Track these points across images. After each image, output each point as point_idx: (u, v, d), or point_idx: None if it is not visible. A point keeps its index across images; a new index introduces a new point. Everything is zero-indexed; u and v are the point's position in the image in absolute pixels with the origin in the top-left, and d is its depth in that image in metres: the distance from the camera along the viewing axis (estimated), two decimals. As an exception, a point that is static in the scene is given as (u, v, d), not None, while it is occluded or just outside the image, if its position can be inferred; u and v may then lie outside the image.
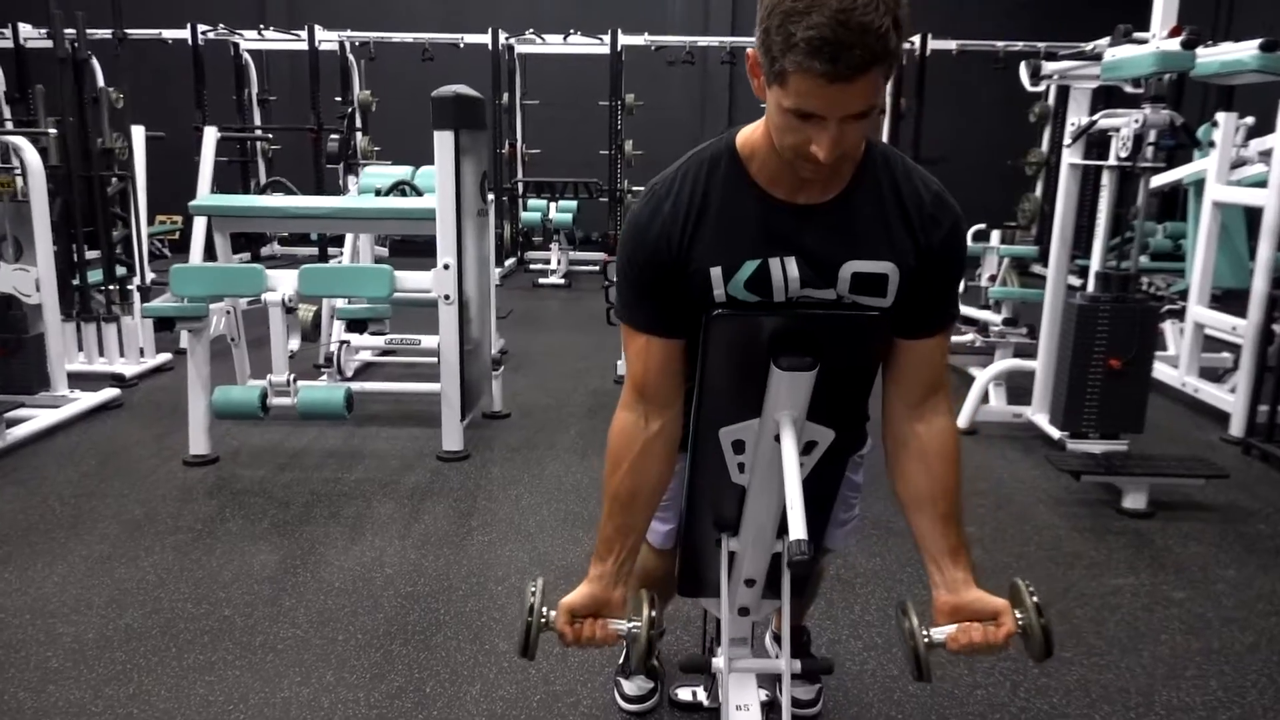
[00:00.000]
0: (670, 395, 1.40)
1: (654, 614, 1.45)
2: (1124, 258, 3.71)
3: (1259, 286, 4.22)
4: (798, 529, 1.24)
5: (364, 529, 3.11)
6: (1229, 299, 4.95)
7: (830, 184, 1.26)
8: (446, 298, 3.64)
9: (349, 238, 5.17)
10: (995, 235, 5.43)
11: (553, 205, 8.62)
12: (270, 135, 8.20)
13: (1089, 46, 3.45)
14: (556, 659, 2.34)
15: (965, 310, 5.57)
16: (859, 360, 1.35)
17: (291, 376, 3.59)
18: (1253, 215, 5.14)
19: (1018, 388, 4.49)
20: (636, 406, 1.41)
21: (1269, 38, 3.06)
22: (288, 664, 2.31)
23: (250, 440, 3.95)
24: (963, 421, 4.32)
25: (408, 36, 8.46)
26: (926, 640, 1.34)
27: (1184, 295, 5.02)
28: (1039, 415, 4.20)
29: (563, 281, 8.58)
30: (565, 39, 8.56)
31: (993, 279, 5.15)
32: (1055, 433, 3.86)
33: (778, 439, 1.40)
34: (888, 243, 1.28)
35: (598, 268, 9.22)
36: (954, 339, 5.64)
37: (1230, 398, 4.44)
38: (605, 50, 8.46)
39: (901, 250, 1.28)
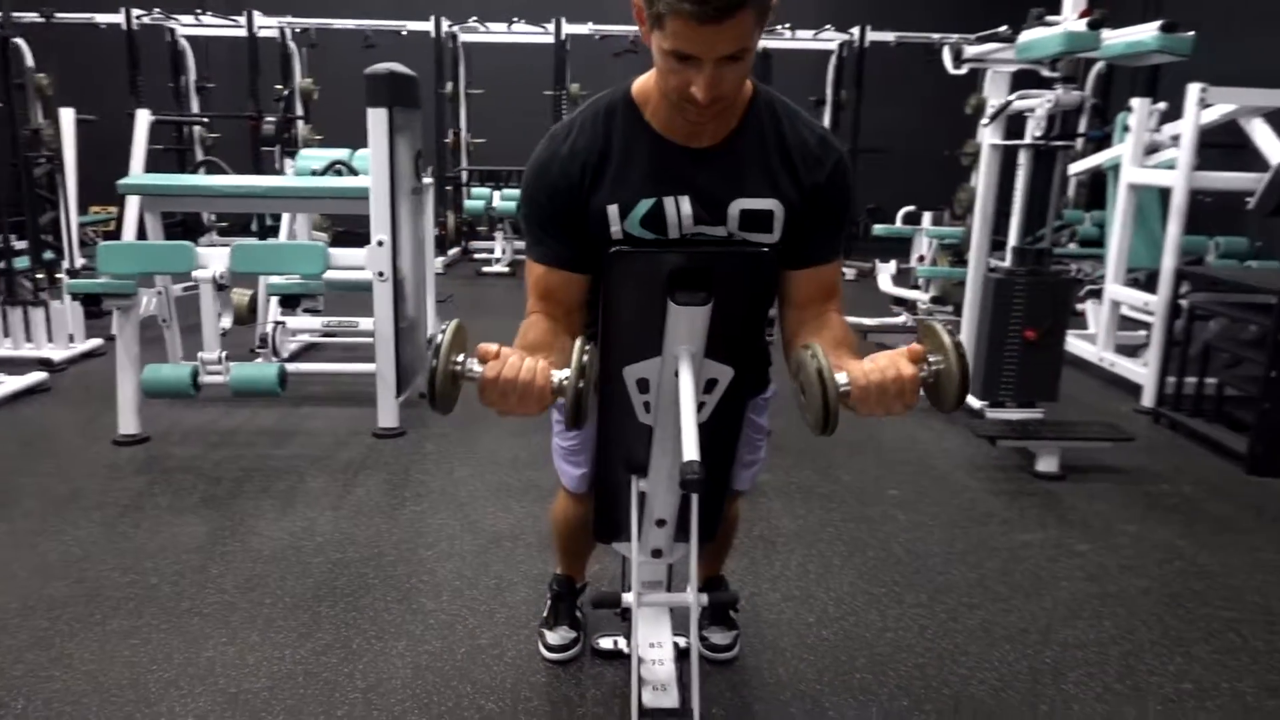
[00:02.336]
0: (569, 308, 1.45)
1: (586, 359, 1.27)
2: (1038, 239, 3.86)
3: (1167, 264, 4.41)
4: (690, 451, 1.31)
5: (295, 502, 3.13)
6: (1151, 281, 5.15)
7: (719, 128, 1.34)
8: (380, 275, 3.66)
9: (285, 222, 5.14)
10: (927, 218, 5.59)
11: (497, 194, 8.63)
12: (207, 121, 8.07)
13: (1004, 29, 3.59)
14: (483, 615, 2.40)
15: (896, 291, 5.73)
16: (750, 295, 1.43)
17: (223, 354, 3.59)
18: (1167, 198, 5.35)
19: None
20: (540, 307, 1.46)
21: (1170, 20, 3.21)
22: (214, 626, 2.33)
23: (182, 420, 3.93)
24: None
25: (350, 23, 8.40)
26: (836, 383, 1.21)
27: (1100, 278, 5.21)
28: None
29: (507, 270, 8.59)
30: (509, 27, 8.56)
31: (921, 259, 5.30)
32: (976, 403, 4.01)
33: (678, 374, 1.48)
34: (772, 182, 1.36)
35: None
36: (886, 320, 5.80)
37: (1143, 371, 4.64)
38: (549, 39, 8.49)
39: (785, 189, 1.36)
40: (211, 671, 2.13)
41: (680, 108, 1.27)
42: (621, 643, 2.24)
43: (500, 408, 1.24)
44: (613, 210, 1.36)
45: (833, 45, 8.85)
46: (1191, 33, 3.31)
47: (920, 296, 4.98)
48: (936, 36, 8.75)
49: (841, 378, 1.23)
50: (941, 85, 9.08)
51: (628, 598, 1.76)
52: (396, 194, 3.66)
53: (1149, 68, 5.84)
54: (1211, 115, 4.39)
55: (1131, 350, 5.26)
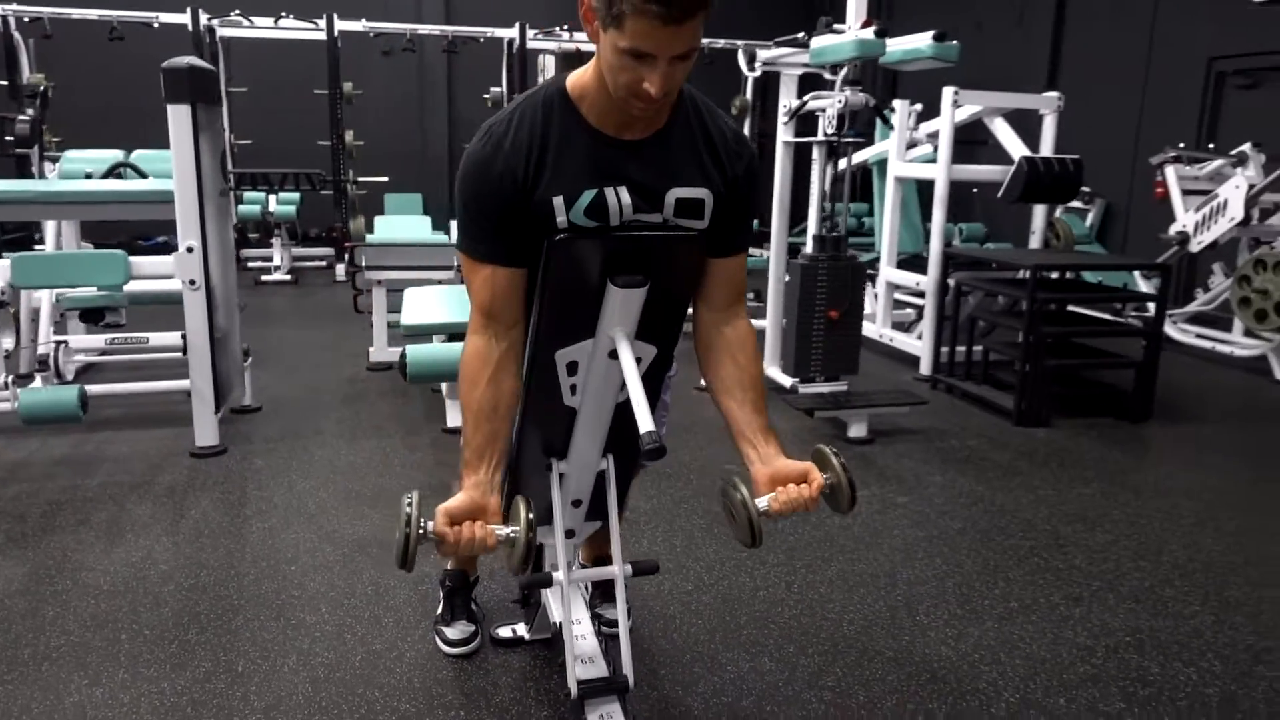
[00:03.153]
0: (514, 317, 1.51)
1: (531, 517, 1.46)
2: (835, 226, 4.25)
3: (935, 248, 4.99)
4: (646, 422, 1.40)
5: (123, 531, 2.88)
6: (911, 263, 5.78)
7: (651, 121, 1.43)
8: (192, 283, 3.42)
9: (49, 233, 4.64)
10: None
11: (272, 199, 8.17)
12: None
13: (800, 35, 3.93)
14: (369, 621, 2.35)
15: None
16: (682, 277, 1.54)
17: (8, 379, 3.22)
18: (922, 189, 6.03)
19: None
20: (485, 330, 1.50)
21: (940, 29, 3.66)
22: (69, 670, 2.12)
23: (-45, 457, 3.48)
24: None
25: (91, 13, 7.62)
26: (757, 509, 1.48)
27: (874, 264, 5.78)
28: (772, 369, 4.69)
29: (288, 278, 8.17)
30: (276, 22, 8.11)
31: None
32: (787, 380, 4.34)
33: (611, 355, 1.56)
34: (702, 172, 1.47)
35: (325, 263, 8.87)
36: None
37: (918, 344, 5.21)
38: (320, 35, 8.14)
39: (713, 178, 1.48)
40: (82, 717, 1.96)
41: (627, 103, 1.35)
42: (520, 629, 2.28)
43: (450, 555, 1.56)
44: (558, 201, 1.42)
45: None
46: (955, 41, 3.79)
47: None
48: (705, 42, 9.26)
49: (761, 502, 1.49)
50: (708, 89, 9.65)
51: (558, 576, 1.81)
52: (204, 197, 3.43)
53: (887, 73, 6.56)
54: (961, 115, 5.00)
55: (903, 326, 5.89)
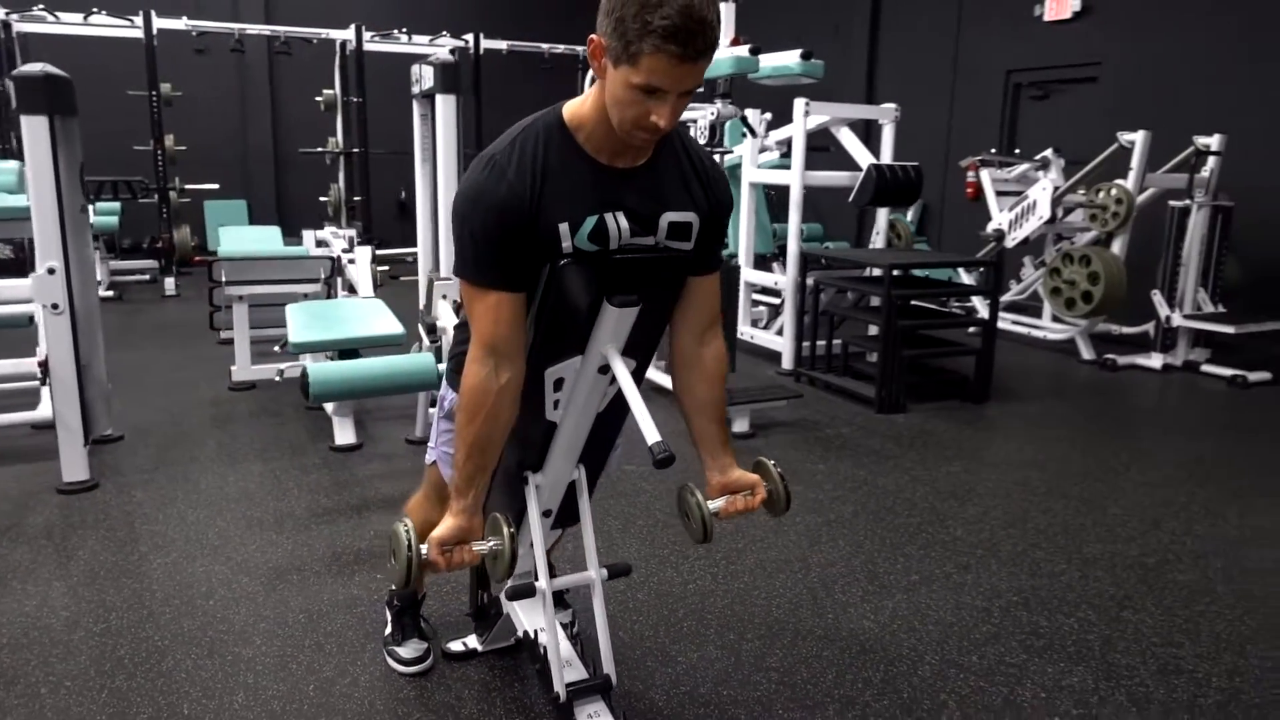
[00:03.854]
0: (516, 347, 1.55)
1: (512, 530, 1.60)
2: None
3: (793, 248, 5.30)
4: (652, 433, 1.49)
5: (4, 579, 2.67)
6: (760, 263, 6.10)
7: (642, 150, 1.52)
8: (54, 307, 3.19)
9: None
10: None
11: (90, 209, 7.55)
12: None
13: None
14: (312, 649, 2.31)
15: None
16: (669, 295, 1.65)
17: None
18: (769, 194, 6.37)
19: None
20: (487, 361, 1.54)
21: (807, 49, 3.92)
22: (-11, 732, 1.98)
23: None
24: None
25: None
26: (710, 512, 1.67)
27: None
28: (651, 370, 4.84)
29: (111, 294, 7.59)
30: (86, 19, 7.50)
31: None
32: (669, 381, 4.49)
33: (601, 370, 1.65)
34: (690, 197, 1.58)
35: (149, 277, 8.29)
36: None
37: (779, 339, 5.52)
38: (135, 34, 7.60)
39: (698, 202, 1.59)
40: (22, 779, 1.83)
41: (632, 135, 1.43)
42: (471, 642, 2.31)
43: (441, 568, 1.63)
44: (564, 228, 1.48)
45: (443, 50, 9.02)
46: (821, 61, 4.07)
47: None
48: (545, 46, 9.33)
49: (713, 505, 1.71)
50: (550, 93, 9.75)
51: (540, 585, 1.87)
52: (64, 214, 3.20)
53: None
54: (811, 124, 5.34)
55: (758, 324, 6.20)
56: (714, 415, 1.80)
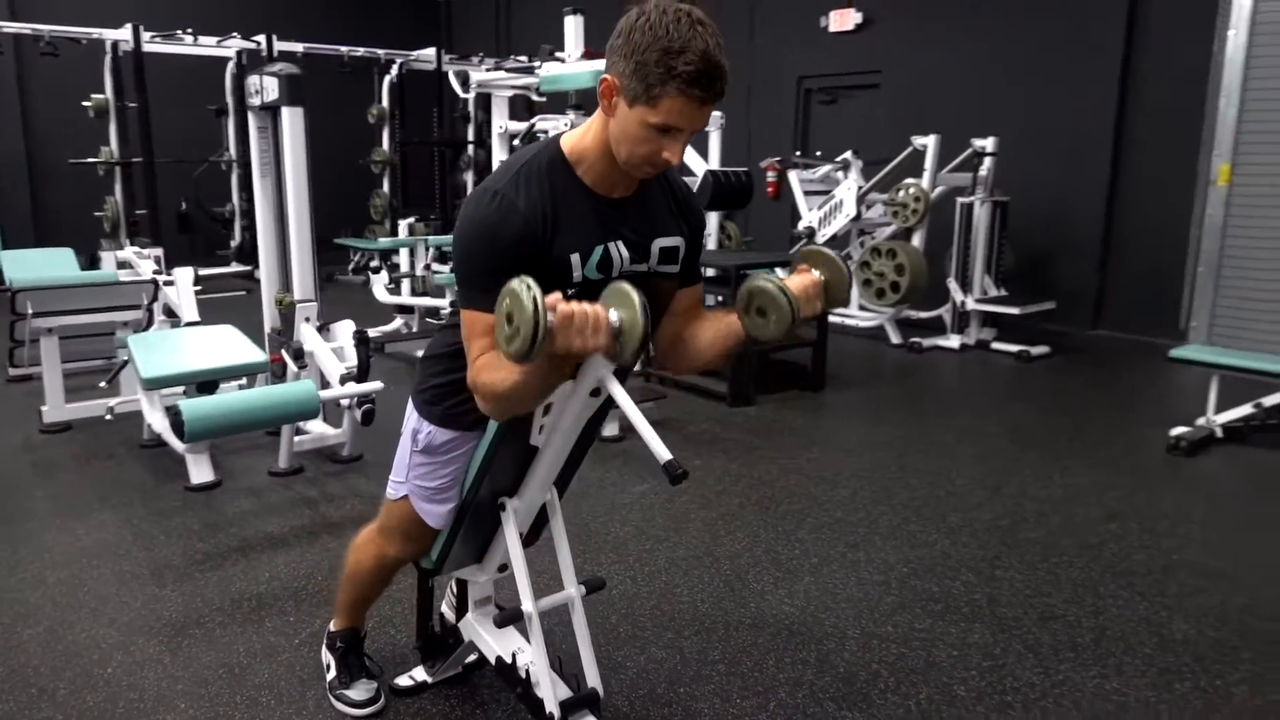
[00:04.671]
0: None
1: (644, 299, 1.39)
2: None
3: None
4: (663, 452, 1.56)
5: None
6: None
7: (632, 182, 1.58)
8: None
9: None
10: (411, 227, 5.89)
11: None
12: None
13: (527, 59, 4.07)
14: (245, 707, 2.18)
15: (399, 300, 5.95)
16: (658, 316, 1.71)
17: None
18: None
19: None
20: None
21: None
22: None
23: None
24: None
25: None
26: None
27: None
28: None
29: None
30: None
31: (427, 268, 5.62)
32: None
33: (593, 393, 1.69)
34: (675, 222, 1.65)
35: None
36: (387, 328, 6.00)
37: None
38: None
39: (682, 227, 1.67)
40: None
41: (638, 169, 1.49)
42: (420, 674, 2.27)
43: (576, 344, 1.37)
44: (575, 258, 1.52)
45: (230, 52, 8.49)
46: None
47: (436, 303, 5.29)
48: (345, 49, 8.98)
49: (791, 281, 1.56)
50: (345, 95, 9.39)
51: (526, 608, 1.88)
52: None
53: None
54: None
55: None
56: (713, 317, 1.73)
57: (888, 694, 2.26)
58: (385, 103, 10.21)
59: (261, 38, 8.33)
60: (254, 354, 3.49)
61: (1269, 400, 4.24)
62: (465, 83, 4.43)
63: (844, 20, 8.24)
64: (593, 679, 1.92)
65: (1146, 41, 6.63)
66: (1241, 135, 6.28)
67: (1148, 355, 6.13)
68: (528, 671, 1.95)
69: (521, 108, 4.69)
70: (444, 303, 5.11)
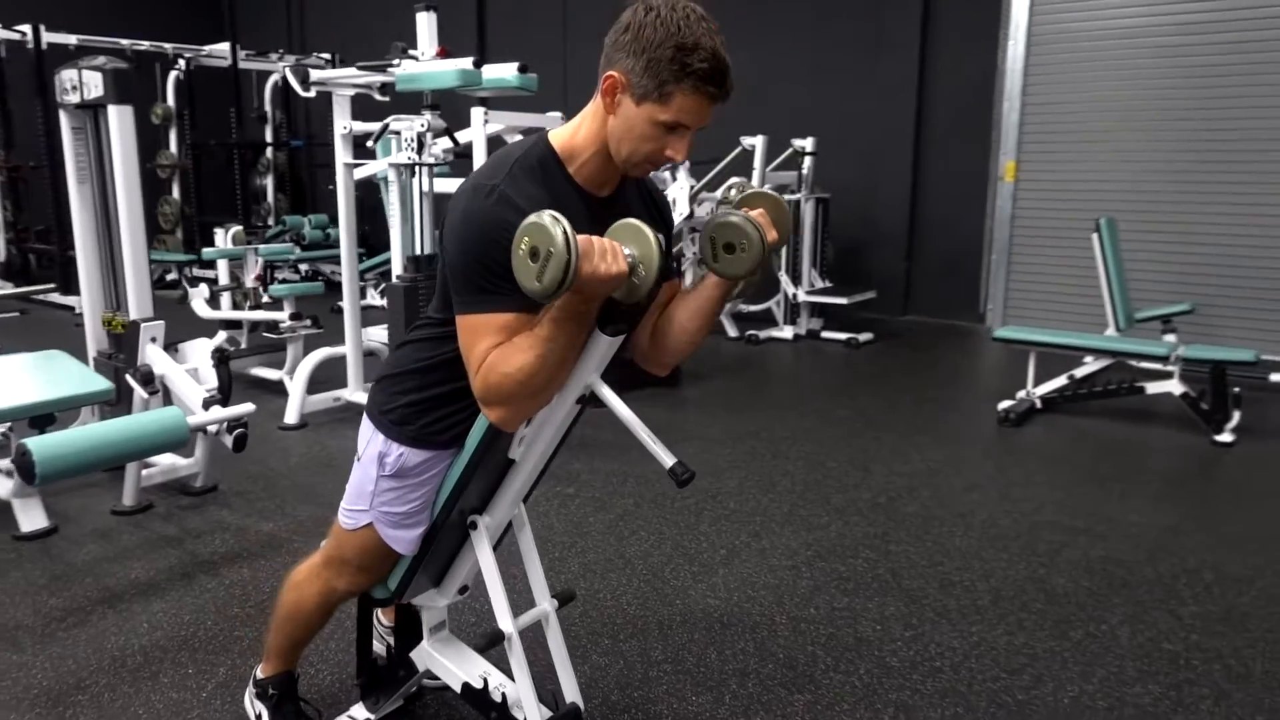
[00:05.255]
0: None
1: (660, 236, 1.40)
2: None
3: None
4: (668, 456, 1.55)
5: None
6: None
7: (614, 180, 1.55)
8: None
9: None
10: (235, 236, 5.46)
11: None
12: None
13: (390, 58, 3.86)
14: (169, 772, 1.96)
15: (222, 314, 5.50)
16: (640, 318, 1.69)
17: None
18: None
19: (326, 378, 4.72)
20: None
21: (523, 62, 3.98)
22: None
23: None
24: (292, 417, 4.44)
25: None
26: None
27: (365, 274, 5.82)
28: (358, 393, 4.59)
29: None
30: None
31: (259, 279, 5.23)
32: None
33: (579, 400, 1.65)
34: (653, 219, 1.63)
35: None
36: (226, 346, 5.54)
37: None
38: None
39: (659, 223, 1.65)
40: None
41: (638, 167, 1.46)
42: (358, 712, 2.12)
43: (601, 269, 1.33)
44: None
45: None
46: (535, 75, 4.16)
47: (275, 316, 4.92)
48: (127, 43, 8.19)
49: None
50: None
51: (506, 629, 1.79)
52: None
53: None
54: (488, 131, 5.37)
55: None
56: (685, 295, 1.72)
57: (830, 673, 2.35)
58: (171, 101, 9.43)
59: (27, 28, 7.43)
60: (97, 381, 3.12)
61: (1080, 371, 4.75)
62: (305, 80, 4.16)
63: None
64: (571, 694, 1.88)
65: (940, 48, 7.24)
66: (1024, 135, 7.02)
67: (956, 337, 6.70)
68: (503, 695, 1.87)
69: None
70: (283, 316, 4.77)
